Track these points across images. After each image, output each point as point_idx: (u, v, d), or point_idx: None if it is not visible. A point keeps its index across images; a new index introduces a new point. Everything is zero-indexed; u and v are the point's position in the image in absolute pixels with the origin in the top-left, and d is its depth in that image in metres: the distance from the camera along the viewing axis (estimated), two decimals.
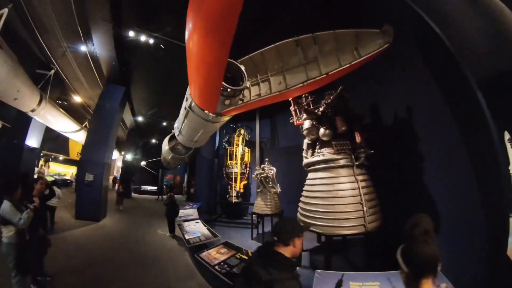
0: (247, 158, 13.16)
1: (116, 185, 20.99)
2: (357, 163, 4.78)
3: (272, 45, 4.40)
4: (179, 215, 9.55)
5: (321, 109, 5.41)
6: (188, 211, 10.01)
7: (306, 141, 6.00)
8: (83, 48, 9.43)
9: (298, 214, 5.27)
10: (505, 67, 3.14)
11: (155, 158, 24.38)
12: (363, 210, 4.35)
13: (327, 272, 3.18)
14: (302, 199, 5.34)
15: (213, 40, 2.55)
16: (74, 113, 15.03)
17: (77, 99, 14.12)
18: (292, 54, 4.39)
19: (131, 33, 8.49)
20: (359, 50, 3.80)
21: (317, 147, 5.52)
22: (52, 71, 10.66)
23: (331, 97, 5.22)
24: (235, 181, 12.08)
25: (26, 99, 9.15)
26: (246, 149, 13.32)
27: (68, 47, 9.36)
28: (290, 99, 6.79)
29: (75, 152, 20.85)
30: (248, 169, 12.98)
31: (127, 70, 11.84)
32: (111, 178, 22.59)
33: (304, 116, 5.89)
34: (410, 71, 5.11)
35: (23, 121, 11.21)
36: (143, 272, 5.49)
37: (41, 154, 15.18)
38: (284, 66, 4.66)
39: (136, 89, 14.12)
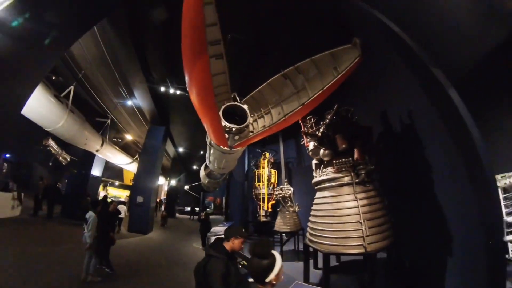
0: (273, 179, 13.35)
1: (162, 207, 22.72)
2: (356, 180, 4.63)
3: (265, 83, 4.79)
4: (211, 231, 10.14)
5: (321, 130, 5.47)
6: (220, 228, 10.53)
7: (314, 161, 6.09)
8: (129, 102, 12.23)
9: (307, 234, 5.24)
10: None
11: (196, 182, 26.02)
12: (361, 230, 4.10)
13: (303, 284, 3.19)
14: (310, 218, 5.35)
15: (201, 104, 3.20)
16: (127, 148, 17.48)
17: (128, 137, 16.69)
18: (283, 86, 4.71)
19: (162, 88, 10.70)
20: (337, 68, 3.89)
21: (322, 166, 5.57)
22: (109, 120, 13.37)
23: (328, 117, 5.28)
24: (263, 201, 12.29)
25: (92, 143, 11.92)
26: (273, 171, 13.54)
27: (118, 102, 12.20)
28: (300, 121, 7.07)
29: (128, 178, 23.90)
30: (275, 189, 13.10)
31: (165, 114, 13.97)
32: (158, 200, 24.69)
33: (308, 138, 6.03)
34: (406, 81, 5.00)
35: (89, 156, 13.99)
36: (173, 272, 6.84)
37: (101, 180, 18.09)
38: (280, 98, 4.98)
39: (174, 127, 15.97)
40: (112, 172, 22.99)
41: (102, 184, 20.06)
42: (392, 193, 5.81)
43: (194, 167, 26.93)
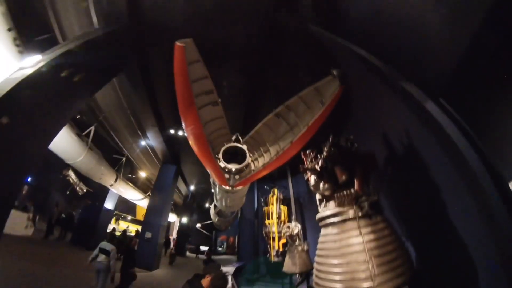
0: (284, 216, 12.90)
1: (171, 244, 22.12)
2: (360, 214, 4.35)
3: (261, 123, 5.07)
4: None
5: (319, 163, 5.43)
6: (227, 268, 10.18)
7: (317, 196, 5.93)
8: (143, 142, 13.38)
9: (314, 276, 4.91)
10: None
11: (209, 220, 25.49)
12: (369, 269, 3.69)
13: None
14: (315, 258, 5.04)
15: (197, 148, 3.59)
16: (140, 184, 18.14)
17: (142, 174, 17.85)
18: (277, 125, 4.96)
19: (172, 131, 11.74)
20: (323, 100, 4.13)
21: (324, 201, 5.40)
22: (124, 158, 14.64)
23: (325, 149, 5.28)
24: (274, 240, 11.76)
25: (107, 178, 12.85)
26: (283, 207, 13.14)
27: (133, 142, 13.40)
28: (302, 156, 7.14)
29: (141, 214, 24.00)
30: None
31: (176, 153, 14.77)
32: (171, 237, 24.24)
33: (309, 173, 5.96)
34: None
35: (104, 190, 14.67)
36: None
37: (114, 213, 18.66)
38: (277, 136, 5.21)
39: (186, 165, 16.56)
40: (126, 207, 23.47)
41: (114, 217, 20.40)
42: (407, 221, 5.41)
43: (207, 205, 26.72)
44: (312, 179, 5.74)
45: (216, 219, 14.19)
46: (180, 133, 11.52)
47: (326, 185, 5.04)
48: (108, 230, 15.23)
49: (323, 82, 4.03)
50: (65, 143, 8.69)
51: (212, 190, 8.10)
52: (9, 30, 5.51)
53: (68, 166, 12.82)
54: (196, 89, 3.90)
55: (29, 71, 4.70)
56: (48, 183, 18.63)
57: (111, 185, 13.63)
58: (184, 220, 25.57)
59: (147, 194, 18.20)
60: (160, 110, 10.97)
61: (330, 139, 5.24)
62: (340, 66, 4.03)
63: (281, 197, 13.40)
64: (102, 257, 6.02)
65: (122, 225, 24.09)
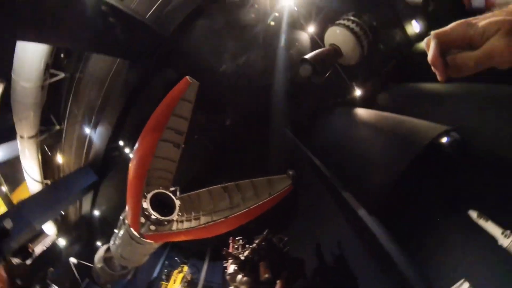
0: None
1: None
2: None
3: (205, 189, 5.17)
4: None
5: (245, 253, 5.30)
6: None
7: None
8: (87, 129, 12.18)
9: None
10: None
11: (90, 263, 20.68)
12: None
13: None
14: None
15: (131, 177, 3.61)
16: (49, 166, 14.88)
17: (59, 158, 14.41)
18: (221, 198, 5.08)
19: (121, 143, 11.68)
20: (271, 193, 4.49)
21: None
22: (56, 128, 12.78)
23: (256, 241, 5.27)
24: None
25: (27, 126, 10.77)
26: None
27: (80, 120, 12.26)
28: (230, 241, 6.88)
29: (18, 197, 18.04)
30: None
31: (107, 167, 13.19)
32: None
33: (231, 260, 5.71)
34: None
35: None
36: None
37: None
38: (214, 208, 5.22)
39: (105, 185, 14.61)
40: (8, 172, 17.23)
41: None
42: None
43: (99, 243, 22.40)
44: (232, 267, 5.47)
45: (100, 265, 11.74)
46: (127, 151, 11.14)
47: (245, 279, 4.84)
48: None
49: (277, 178, 4.67)
50: (29, 59, 8.34)
51: (116, 230, 7.14)
52: None
53: None
54: (170, 122, 4.15)
55: None
56: None
57: (21, 137, 11.32)
58: (62, 242, 20.45)
59: (45, 181, 15.22)
60: (127, 118, 10.96)
61: (265, 233, 5.38)
62: (296, 169, 4.71)
63: (189, 278, 11.83)
64: None
65: None
